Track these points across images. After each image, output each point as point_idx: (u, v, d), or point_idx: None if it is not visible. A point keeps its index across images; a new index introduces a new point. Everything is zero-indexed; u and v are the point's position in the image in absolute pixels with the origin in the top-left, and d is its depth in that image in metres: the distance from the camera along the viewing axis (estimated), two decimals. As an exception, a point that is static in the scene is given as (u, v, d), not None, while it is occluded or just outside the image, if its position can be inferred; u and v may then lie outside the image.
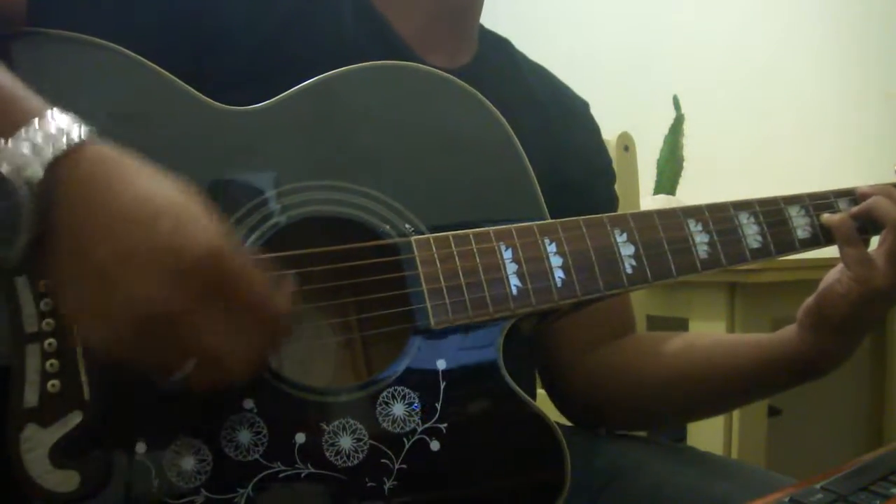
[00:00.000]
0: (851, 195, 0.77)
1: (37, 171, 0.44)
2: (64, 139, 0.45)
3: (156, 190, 0.46)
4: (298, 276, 0.57)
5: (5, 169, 0.44)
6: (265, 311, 0.48)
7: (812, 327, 0.72)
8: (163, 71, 0.59)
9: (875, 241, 0.75)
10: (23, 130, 0.45)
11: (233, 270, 0.47)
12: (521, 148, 0.67)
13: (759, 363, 0.76)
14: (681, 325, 1.55)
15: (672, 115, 1.80)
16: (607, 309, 0.84)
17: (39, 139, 0.45)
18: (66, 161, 0.45)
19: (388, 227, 0.61)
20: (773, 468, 0.80)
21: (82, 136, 0.46)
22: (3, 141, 0.44)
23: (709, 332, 0.83)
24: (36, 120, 0.45)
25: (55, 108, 0.46)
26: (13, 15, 0.58)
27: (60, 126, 0.45)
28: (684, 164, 1.82)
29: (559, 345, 0.85)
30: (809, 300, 0.73)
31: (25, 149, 0.44)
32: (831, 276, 0.73)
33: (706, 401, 0.83)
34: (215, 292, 0.46)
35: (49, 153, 0.44)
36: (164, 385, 0.47)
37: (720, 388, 0.79)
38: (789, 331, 0.75)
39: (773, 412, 1.62)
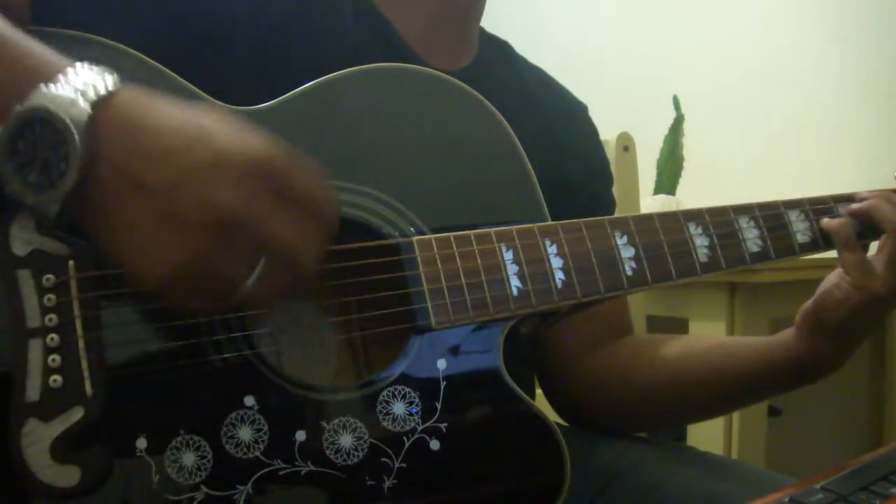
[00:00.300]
0: (851, 200, 0.78)
1: (83, 110, 0.45)
2: (102, 83, 0.47)
3: (192, 114, 0.48)
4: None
5: (53, 108, 0.45)
6: (321, 199, 0.50)
7: (810, 332, 0.73)
8: (165, 69, 0.59)
9: (874, 246, 0.75)
10: (61, 76, 0.47)
11: (286, 164, 0.48)
12: (522, 150, 0.67)
13: (757, 367, 0.76)
14: (681, 325, 1.56)
15: (672, 115, 1.80)
16: (605, 311, 0.84)
17: (80, 83, 0.46)
18: (109, 98, 0.46)
19: (390, 227, 0.61)
20: (773, 468, 0.80)
21: (117, 80, 0.48)
22: (45, 85, 0.46)
23: (706, 335, 0.83)
24: (72, 68, 0.47)
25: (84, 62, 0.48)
26: (16, 13, 0.58)
27: (95, 73, 0.47)
28: (684, 164, 1.82)
29: (557, 347, 0.85)
30: (808, 304, 0.73)
31: (69, 91, 0.46)
32: (830, 280, 0.73)
33: (704, 404, 0.83)
34: (276, 186, 0.47)
35: (92, 94, 0.46)
36: (236, 297, 0.48)
37: (718, 391, 0.79)
38: (787, 334, 0.75)
39: (773, 412, 1.62)
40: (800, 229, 0.74)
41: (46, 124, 0.45)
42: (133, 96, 0.48)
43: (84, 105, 0.45)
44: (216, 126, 0.47)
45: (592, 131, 0.92)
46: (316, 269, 0.50)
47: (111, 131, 0.46)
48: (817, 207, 0.76)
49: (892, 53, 1.90)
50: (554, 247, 0.64)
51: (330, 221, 0.51)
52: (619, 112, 1.60)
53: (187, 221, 0.45)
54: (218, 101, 0.60)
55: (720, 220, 0.71)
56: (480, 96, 0.67)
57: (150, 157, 0.46)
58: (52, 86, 0.46)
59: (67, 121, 0.45)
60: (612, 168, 0.96)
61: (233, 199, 0.45)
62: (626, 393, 0.83)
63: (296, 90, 0.62)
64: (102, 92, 0.46)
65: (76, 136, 0.45)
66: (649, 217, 0.69)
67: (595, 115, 0.93)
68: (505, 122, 0.67)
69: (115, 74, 0.48)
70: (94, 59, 0.49)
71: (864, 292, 0.70)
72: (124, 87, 0.48)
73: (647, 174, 1.53)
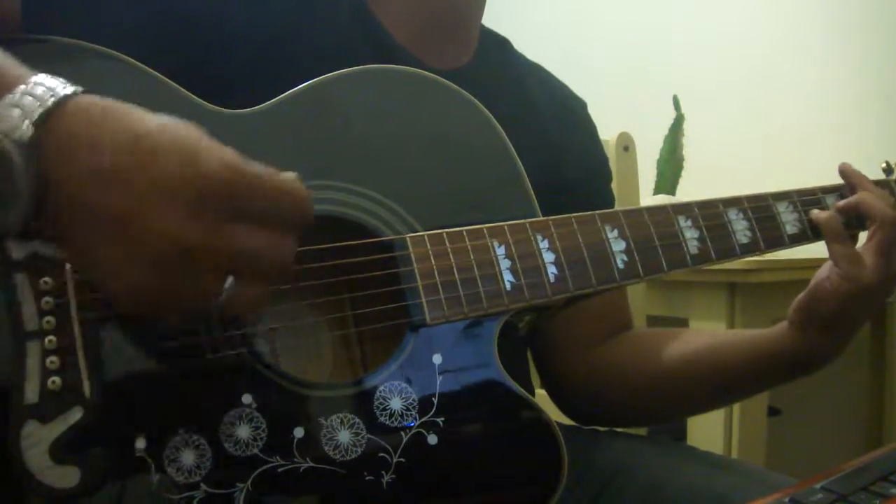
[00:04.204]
0: (838, 191, 0.79)
1: (26, 130, 0.43)
2: (50, 98, 0.44)
3: (149, 125, 0.45)
4: (296, 272, 0.57)
5: None
6: (286, 203, 0.48)
7: (803, 325, 0.73)
8: (159, 75, 0.59)
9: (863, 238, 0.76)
10: (8, 95, 0.44)
11: (246, 177, 0.46)
12: (512, 148, 0.67)
13: (754, 362, 0.76)
14: (681, 325, 1.56)
15: (672, 115, 1.80)
16: (605, 307, 0.84)
17: (27, 101, 0.44)
18: (55, 117, 0.44)
19: (383, 225, 0.61)
20: (773, 468, 0.80)
21: (69, 92, 0.45)
22: None
23: (703, 330, 0.84)
24: (22, 85, 0.45)
25: (42, 73, 0.46)
26: (8, 17, 0.58)
27: (47, 86, 0.45)
28: (684, 164, 1.82)
29: (558, 343, 0.86)
30: (800, 297, 0.74)
31: (14, 112, 0.44)
32: (821, 273, 0.73)
33: (702, 398, 0.84)
34: (234, 204, 0.45)
35: (37, 112, 0.44)
36: (207, 312, 0.47)
37: (716, 386, 0.80)
38: (781, 328, 0.75)
39: (773, 412, 1.62)
40: (789, 220, 0.75)
41: None
42: (85, 108, 0.45)
43: (27, 127, 0.43)
44: (170, 143, 0.45)
45: (591, 128, 0.92)
46: (289, 272, 0.48)
47: (59, 151, 0.44)
48: (805, 199, 0.77)
49: (893, 53, 1.90)
50: (546, 241, 0.64)
51: (300, 219, 0.49)
52: (619, 112, 1.60)
53: (144, 250, 0.43)
54: (214, 106, 0.61)
55: (709, 213, 0.72)
56: (469, 95, 0.67)
57: (99, 180, 0.43)
58: None
59: (10, 147, 0.43)
60: (612, 168, 0.97)
61: (188, 228, 0.43)
62: (626, 388, 0.84)
63: (288, 92, 0.63)
64: (50, 106, 0.44)
65: (20, 163, 0.43)
66: (639, 211, 0.69)
67: (595, 114, 0.93)
68: (494, 120, 0.68)
69: (69, 84, 0.46)
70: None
71: (853, 283, 0.70)
72: (77, 97, 0.45)
73: (647, 174, 1.53)
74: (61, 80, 0.46)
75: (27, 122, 0.43)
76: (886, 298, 0.74)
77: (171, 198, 0.43)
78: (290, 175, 0.48)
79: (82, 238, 0.44)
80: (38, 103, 0.44)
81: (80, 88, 0.46)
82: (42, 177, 0.43)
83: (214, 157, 0.45)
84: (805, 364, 0.75)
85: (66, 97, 0.45)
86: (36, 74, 0.46)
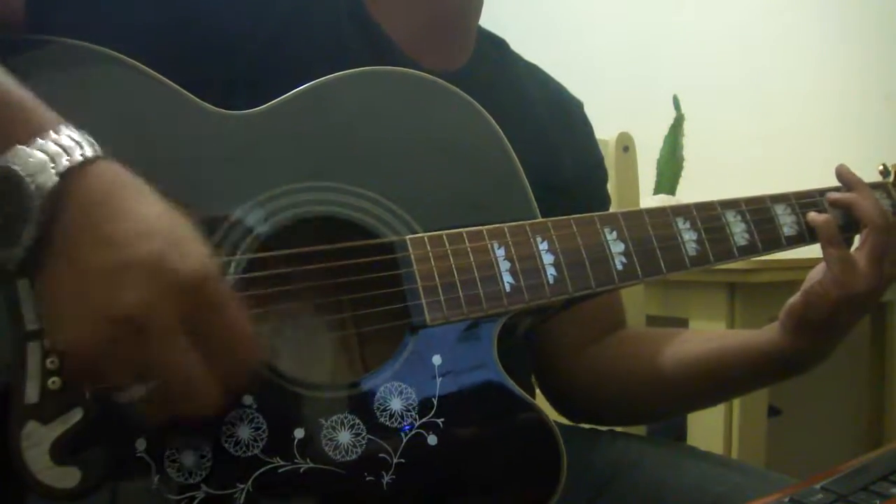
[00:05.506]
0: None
1: (50, 177, 0.45)
2: (78, 152, 0.47)
3: (153, 211, 0.48)
4: (296, 273, 0.57)
5: (21, 170, 0.45)
6: (240, 346, 0.49)
7: (793, 328, 0.73)
8: (161, 77, 0.59)
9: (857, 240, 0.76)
10: (38, 138, 0.46)
11: (216, 298, 0.47)
12: (511, 149, 0.68)
13: (746, 364, 0.77)
14: (681, 325, 1.56)
15: (672, 115, 1.80)
16: (599, 306, 0.84)
17: (54, 149, 0.46)
18: (77, 173, 0.46)
19: (383, 227, 0.61)
20: (773, 468, 0.80)
21: (95, 152, 0.47)
22: (20, 146, 0.46)
23: (696, 331, 0.84)
24: (51, 131, 0.47)
25: (69, 124, 0.48)
26: (10, 17, 0.58)
27: (75, 139, 0.47)
28: (684, 164, 1.82)
29: (553, 343, 0.86)
30: (791, 301, 0.74)
31: (41, 156, 0.46)
32: (813, 276, 0.74)
33: (696, 399, 0.85)
34: (195, 316, 0.46)
35: (64, 163, 0.46)
36: (117, 398, 0.47)
37: (709, 387, 0.81)
38: (772, 330, 0.75)
39: (773, 412, 1.62)
40: (786, 223, 0.75)
41: (13, 185, 0.45)
42: (106, 172, 0.48)
43: (52, 173, 0.45)
44: (169, 230, 0.47)
45: (587, 128, 0.93)
46: (211, 407, 0.48)
47: (71, 205, 0.46)
48: (803, 201, 0.77)
49: (892, 53, 1.91)
50: (545, 243, 0.65)
51: (242, 368, 0.49)
52: (619, 112, 1.61)
53: (98, 308, 0.44)
54: (213, 107, 0.61)
55: (707, 215, 0.72)
56: (467, 97, 0.68)
57: (95, 239, 0.46)
58: (25, 148, 0.46)
59: (33, 188, 0.45)
60: (612, 168, 0.97)
61: (143, 305, 0.44)
62: (619, 388, 0.84)
63: (288, 94, 0.63)
64: (76, 160, 0.46)
65: (36, 205, 0.45)
66: (638, 213, 0.70)
67: (595, 115, 0.93)
68: (493, 121, 0.68)
69: (95, 144, 0.48)
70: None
71: (844, 289, 0.70)
72: (99, 161, 0.47)
73: (647, 174, 1.53)
74: (86, 136, 0.48)
75: (54, 170, 0.46)
76: (876, 304, 0.74)
77: (143, 275, 0.45)
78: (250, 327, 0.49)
79: (55, 285, 0.46)
80: (66, 155, 0.46)
81: (101, 152, 0.48)
82: (49, 223, 0.46)
83: (195, 259, 0.47)
84: (795, 366, 0.75)
85: (90, 159, 0.47)
86: (64, 124, 0.48)
